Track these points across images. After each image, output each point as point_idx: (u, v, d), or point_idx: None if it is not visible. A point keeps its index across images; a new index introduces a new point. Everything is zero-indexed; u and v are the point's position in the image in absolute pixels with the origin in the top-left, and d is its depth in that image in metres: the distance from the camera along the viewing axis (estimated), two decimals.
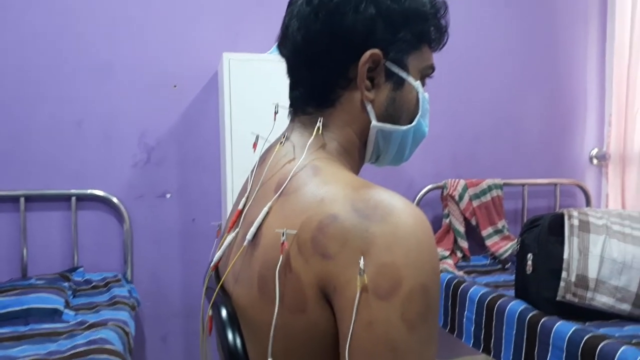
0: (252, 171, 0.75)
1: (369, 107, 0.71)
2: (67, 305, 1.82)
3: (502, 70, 2.91)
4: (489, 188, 2.73)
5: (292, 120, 0.75)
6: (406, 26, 0.70)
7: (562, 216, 1.86)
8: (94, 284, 2.10)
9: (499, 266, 2.60)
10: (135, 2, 2.31)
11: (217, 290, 0.65)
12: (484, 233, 2.69)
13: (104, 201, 2.28)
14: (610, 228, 1.82)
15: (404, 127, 0.74)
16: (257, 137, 0.77)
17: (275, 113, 0.75)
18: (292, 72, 0.74)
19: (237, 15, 2.44)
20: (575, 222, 1.83)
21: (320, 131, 0.70)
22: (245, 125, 2.02)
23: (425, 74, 0.76)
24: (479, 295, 2.04)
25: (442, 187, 2.72)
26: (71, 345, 1.50)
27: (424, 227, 0.57)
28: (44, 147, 2.21)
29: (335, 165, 0.67)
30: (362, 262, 0.53)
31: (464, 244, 2.64)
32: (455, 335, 2.17)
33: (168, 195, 2.37)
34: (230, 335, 0.59)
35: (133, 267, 2.32)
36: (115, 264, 2.30)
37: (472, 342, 2.06)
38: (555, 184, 2.95)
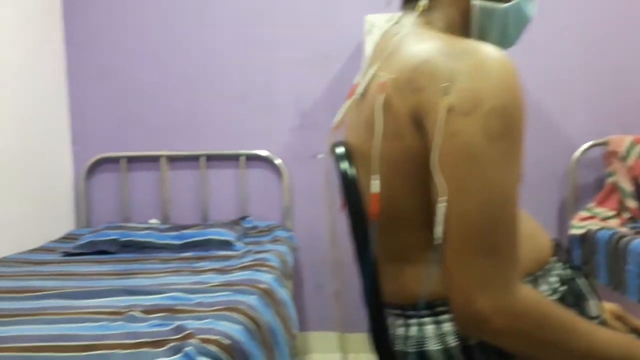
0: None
1: None
2: (237, 240, 2.13)
3: None
4: None
5: (404, 9, 0.85)
6: None
7: None
8: (260, 229, 2.41)
9: None
10: None
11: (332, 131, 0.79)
12: None
13: (267, 160, 2.59)
14: None
15: (504, 5, 0.79)
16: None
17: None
18: None
19: None
20: None
21: (423, 8, 0.79)
22: None
23: None
24: None
25: (605, 144, 2.52)
26: (239, 262, 1.78)
27: (508, 64, 0.65)
28: (218, 114, 2.60)
29: (434, 32, 0.75)
30: (446, 84, 0.62)
31: (632, 204, 2.41)
32: (620, 292, 2.02)
33: (320, 156, 2.59)
34: (344, 165, 0.73)
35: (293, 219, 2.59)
36: (277, 215, 2.59)
37: (638, 297, 1.90)
38: None
